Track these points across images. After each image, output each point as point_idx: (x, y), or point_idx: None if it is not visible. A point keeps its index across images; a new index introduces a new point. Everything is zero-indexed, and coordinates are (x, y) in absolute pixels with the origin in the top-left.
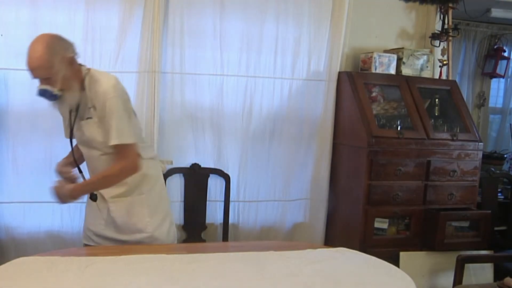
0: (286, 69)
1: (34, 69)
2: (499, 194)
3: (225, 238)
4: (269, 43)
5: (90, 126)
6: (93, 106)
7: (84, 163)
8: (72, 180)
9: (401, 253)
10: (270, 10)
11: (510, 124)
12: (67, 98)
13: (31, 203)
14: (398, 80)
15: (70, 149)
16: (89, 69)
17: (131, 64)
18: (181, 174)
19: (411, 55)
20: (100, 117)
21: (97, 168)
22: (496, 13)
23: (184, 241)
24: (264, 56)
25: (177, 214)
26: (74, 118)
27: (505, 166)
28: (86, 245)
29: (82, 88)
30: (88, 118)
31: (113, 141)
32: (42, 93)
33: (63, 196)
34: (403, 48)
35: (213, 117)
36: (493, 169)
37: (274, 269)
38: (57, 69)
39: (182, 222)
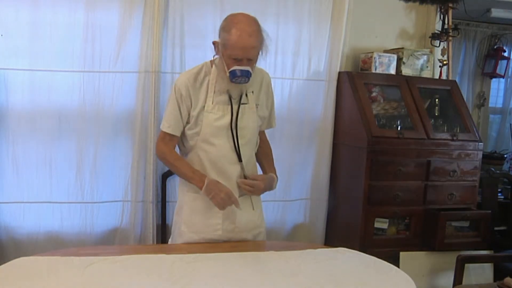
0: (286, 69)
1: (250, 48)
2: (499, 194)
3: None
4: (269, 43)
5: (249, 111)
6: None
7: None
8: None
9: (401, 253)
10: (270, 10)
11: (510, 124)
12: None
13: (31, 203)
14: (398, 80)
15: (232, 140)
16: None
17: (131, 64)
18: None
19: (411, 55)
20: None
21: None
22: (496, 13)
23: None
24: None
25: None
26: (239, 104)
27: (505, 166)
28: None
29: None
30: (244, 104)
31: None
32: (245, 73)
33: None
34: (403, 48)
35: None
36: (493, 169)
37: (274, 269)
38: (259, 52)
39: None
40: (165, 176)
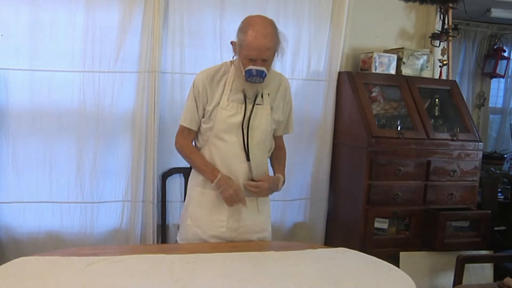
0: (286, 69)
1: (265, 49)
2: (499, 194)
3: None
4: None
5: (263, 112)
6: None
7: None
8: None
9: (401, 253)
10: (270, 10)
11: (510, 124)
12: (265, 83)
13: (31, 203)
14: (398, 80)
15: (242, 138)
16: None
17: (131, 64)
18: (181, 174)
19: (411, 55)
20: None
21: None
22: (496, 13)
23: None
24: None
25: (177, 214)
26: (253, 104)
27: (505, 166)
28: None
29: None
30: (258, 104)
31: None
32: (260, 73)
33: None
34: (403, 48)
35: None
36: (493, 169)
37: (274, 269)
38: (275, 54)
39: None
40: (165, 176)
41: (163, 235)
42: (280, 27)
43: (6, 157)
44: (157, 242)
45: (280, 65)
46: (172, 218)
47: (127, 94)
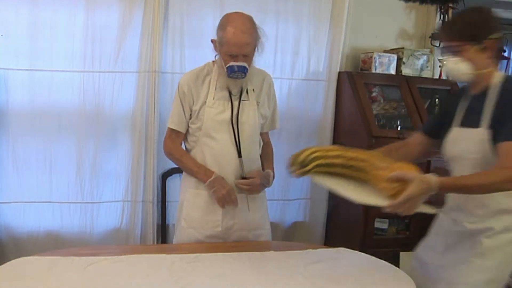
0: (285, 68)
1: (244, 45)
2: None
3: None
4: (269, 43)
5: (250, 108)
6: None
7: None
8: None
9: (401, 253)
10: (270, 10)
11: None
12: (248, 78)
13: (31, 203)
14: (398, 80)
15: (233, 135)
16: None
17: (131, 64)
18: (181, 174)
19: (411, 55)
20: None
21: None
22: (496, 13)
23: None
24: (264, 55)
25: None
26: (239, 100)
27: None
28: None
29: None
30: (244, 100)
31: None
32: (242, 69)
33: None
34: (403, 48)
35: None
36: None
37: (274, 269)
38: (255, 49)
39: None
40: (165, 176)
41: (163, 235)
42: (280, 27)
43: (6, 157)
44: (157, 242)
45: (280, 65)
46: (172, 218)
47: (127, 94)
